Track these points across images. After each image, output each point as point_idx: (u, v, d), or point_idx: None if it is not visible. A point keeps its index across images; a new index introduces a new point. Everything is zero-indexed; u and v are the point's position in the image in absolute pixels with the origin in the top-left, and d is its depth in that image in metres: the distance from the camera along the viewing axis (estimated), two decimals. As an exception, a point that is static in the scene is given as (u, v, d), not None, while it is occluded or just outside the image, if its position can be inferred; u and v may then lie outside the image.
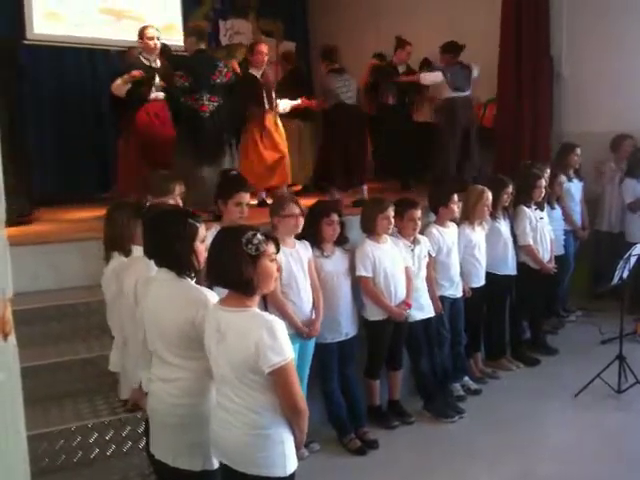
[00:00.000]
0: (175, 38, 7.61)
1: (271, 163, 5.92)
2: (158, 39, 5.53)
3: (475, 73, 6.43)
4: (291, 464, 2.36)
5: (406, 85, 6.86)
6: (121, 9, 7.38)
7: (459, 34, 6.53)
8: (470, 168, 6.39)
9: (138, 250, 2.96)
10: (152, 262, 2.79)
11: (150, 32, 5.49)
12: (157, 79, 5.43)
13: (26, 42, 6.78)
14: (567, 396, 4.57)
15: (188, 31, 5.25)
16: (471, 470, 3.75)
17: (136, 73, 5.30)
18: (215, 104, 4.98)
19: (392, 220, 4.14)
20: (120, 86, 5.33)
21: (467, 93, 6.45)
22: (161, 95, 5.39)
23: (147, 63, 5.50)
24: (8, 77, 5.18)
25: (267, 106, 5.89)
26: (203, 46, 5.16)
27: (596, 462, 3.75)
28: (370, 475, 3.74)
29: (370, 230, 4.17)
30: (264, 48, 5.92)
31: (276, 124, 6.03)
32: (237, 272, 2.30)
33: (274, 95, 6.02)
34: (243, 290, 2.35)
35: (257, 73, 5.90)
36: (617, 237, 6.21)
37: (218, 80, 5.02)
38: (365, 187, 6.05)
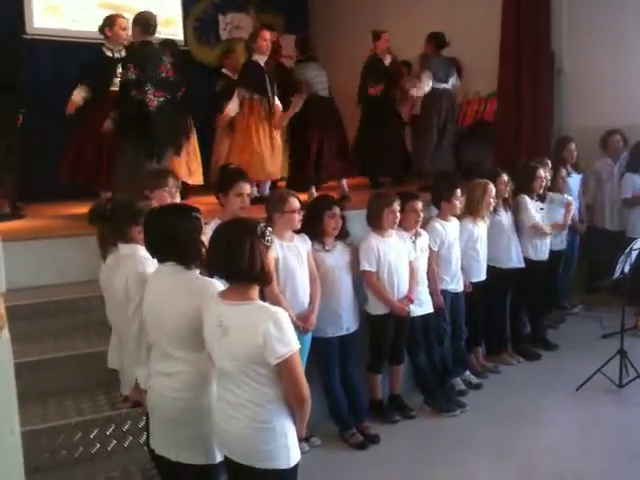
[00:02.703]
0: (174, 33, 7.58)
1: (264, 155, 5.61)
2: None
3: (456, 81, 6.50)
4: (294, 456, 2.37)
5: (391, 78, 6.81)
6: (121, 3, 7.33)
7: (460, 29, 6.53)
8: (439, 161, 6.31)
9: (126, 248, 2.94)
10: (142, 258, 2.79)
11: (124, 22, 5.33)
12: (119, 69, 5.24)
13: (26, 37, 6.76)
14: (568, 390, 4.57)
15: (134, 20, 4.96)
16: (472, 464, 3.75)
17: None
18: (161, 99, 4.74)
19: (398, 214, 4.14)
20: (76, 99, 5.31)
21: (448, 86, 6.42)
22: None
23: (110, 55, 5.38)
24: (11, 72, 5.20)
25: (270, 94, 5.67)
26: (149, 38, 4.89)
27: (597, 456, 3.75)
28: (371, 470, 3.74)
29: (376, 224, 4.17)
30: (267, 35, 5.70)
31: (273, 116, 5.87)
32: (257, 265, 2.29)
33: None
34: (260, 282, 2.37)
35: (261, 60, 5.66)
36: (614, 233, 6.18)
37: (163, 75, 4.80)
38: (344, 181, 5.98)
